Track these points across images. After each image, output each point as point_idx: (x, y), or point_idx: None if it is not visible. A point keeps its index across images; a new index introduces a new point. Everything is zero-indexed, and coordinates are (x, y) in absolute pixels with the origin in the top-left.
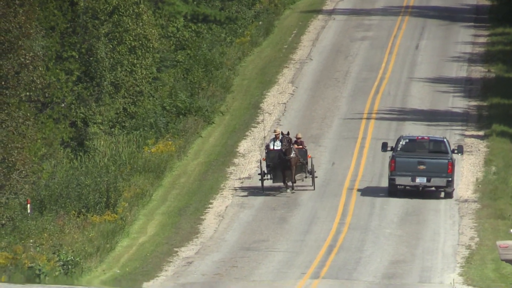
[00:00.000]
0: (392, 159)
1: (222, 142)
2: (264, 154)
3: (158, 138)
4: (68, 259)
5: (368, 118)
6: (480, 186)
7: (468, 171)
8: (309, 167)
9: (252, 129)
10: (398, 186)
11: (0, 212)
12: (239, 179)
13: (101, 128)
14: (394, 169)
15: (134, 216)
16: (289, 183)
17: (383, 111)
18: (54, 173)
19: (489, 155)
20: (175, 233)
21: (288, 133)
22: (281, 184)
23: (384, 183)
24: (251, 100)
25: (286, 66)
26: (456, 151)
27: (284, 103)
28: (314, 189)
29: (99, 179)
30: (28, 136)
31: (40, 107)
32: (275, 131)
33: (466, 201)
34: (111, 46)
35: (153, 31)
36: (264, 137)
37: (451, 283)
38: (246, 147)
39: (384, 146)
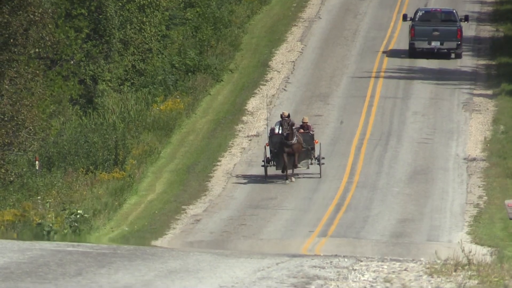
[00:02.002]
0: (412, 27)
1: (230, 100)
2: (267, 139)
3: (167, 95)
4: (76, 216)
5: (376, 77)
6: (488, 145)
7: (476, 130)
8: (316, 153)
9: (261, 87)
10: (417, 49)
11: (9, 169)
12: (248, 136)
13: (110, 85)
14: (414, 35)
15: (142, 173)
16: (289, 172)
17: (392, 69)
18: (62, 130)
19: (498, 114)
20: (183, 190)
21: (288, 115)
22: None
23: (392, 142)
24: (260, 58)
25: (295, 25)
26: (463, 20)
27: (293, 61)
28: (320, 177)
29: (107, 136)
30: (37, 93)
31: (49, 64)
32: (282, 115)
33: (474, 159)
34: (120, 4)
35: None
36: (270, 99)
37: (458, 242)
38: (254, 105)
39: (405, 17)
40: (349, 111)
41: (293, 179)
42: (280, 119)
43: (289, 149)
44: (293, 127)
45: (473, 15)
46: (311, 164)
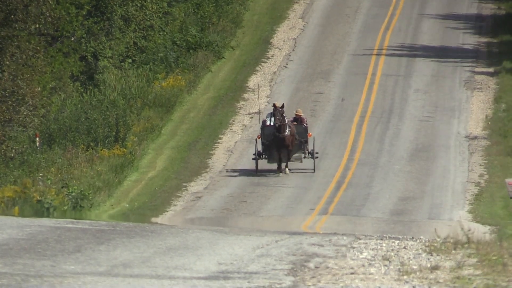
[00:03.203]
0: None
1: (232, 77)
2: (259, 131)
3: (168, 72)
4: (77, 193)
5: (378, 54)
6: (489, 123)
7: (477, 108)
8: (310, 147)
9: (262, 64)
10: None
11: (9, 145)
12: (249, 114)
13: (111, 62)
14: None
15: (143, 150)
16: (283, 166)
17: (393, 47)
18: (63, 107)
19: (499, 92)
20: (184, 167)
21: (282, 106)
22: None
23: (394, 119)
24: (261, 35)
25: (296, 2)
26: None
27: (294, 39)
28: (314, 172)
29: (108, 113)
30: (37, 69)
31: (50, 40)
32: (274, 105)
33: (475, 138)
34: None
35: None
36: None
37: (458, 220)
38: (256, 82)
39: None
40: (350, 89)
41: (287, 171)
42: (272, 110)
43: (282, 141)
44: (285, 119)
45: None
46: (304, 158)
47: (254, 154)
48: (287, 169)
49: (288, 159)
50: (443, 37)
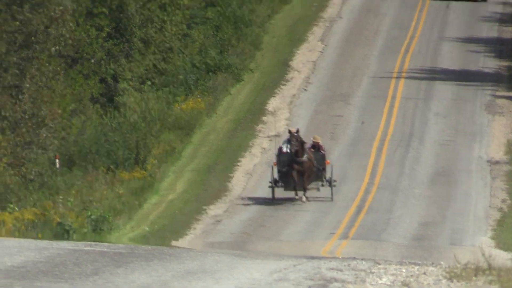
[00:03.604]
0: None
1: (251, 100)
2: (275, 158)
3: (188, 95)
4: (97, 215)
5: (398, 77)
6: (511, 148)
7: (499, 132)
8: (328, 174)
9: (282, 87)
10: None
11: (29, 168)
12: (268, 136)
13: (131, 84)
14: None
15: (163, 173)
16: (300, 193)
17: (413, 70)
18: (83, 129)
19: None
20: (204, 190)
21: (297, 131)
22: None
23: (414, 143)
24: (280, 58)
25: (315, 24)
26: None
27: (314, 61)
28: (332, 200)
29: (128, 135)
30: (57, 91)
31: (70, 62)
32: (289, 131)
33: (497, 162)
34: (141, 3)
35: None
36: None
37: (479, 246)
38: (275, 104)
39: None
40: (370, 112)
41: (304, 199)
42: (288, 135)
43: (299, 167)
44: (304, 144)
45: (495, 16)
46: (322, 186)
47: (270, 182)
48: (304, 197)
49: (305, 187)
50: (463, 60)
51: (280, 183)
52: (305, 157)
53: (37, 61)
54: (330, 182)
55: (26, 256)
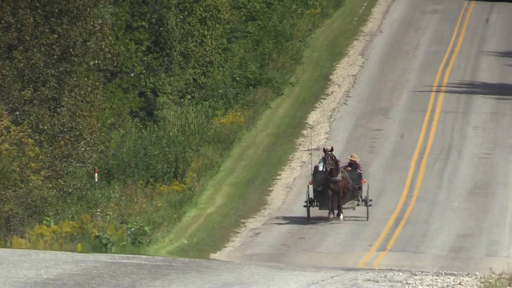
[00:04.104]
0: None
1: (291, 114)
2: (311, 178)
3: (228, 109)
4: (136, 228)
5: (437, 91)
6: None
7: None
8: (364, 194)
9: (322, 100)
10: None
11: (67, 181)
12: (308, 150)
13: (171, 98)
14: None
15: (202, 186)
16: (335, 213)
17: (453, 84)
18: (122, 143)
19: None
20: (243, 204)
21: (332, 150)
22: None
23: (453, 156)
24: (321, 72)
25: (356, 38)
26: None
27: (354, 75)
28: (367, 220)
29: (167, 149)
30: (96, 105)
31: (109, 76)
32: (324, 149)
33: None
34: (181, 17)
35: (223, 1)
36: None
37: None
38: (315, 118)
39: None
40: (409, 125)
41: (341, 218)
42: (323, 154)
43: (334, 186)
44: (338, 163)
45: None
46: (358, 205)
47: (305, 201)
48: (341, 216)
49: (341, 206)
50: (502, 74)
51: (315, 202)
52: (339, 176)
53: (75, 75)
54: (366, 202)
55: (63, 269)
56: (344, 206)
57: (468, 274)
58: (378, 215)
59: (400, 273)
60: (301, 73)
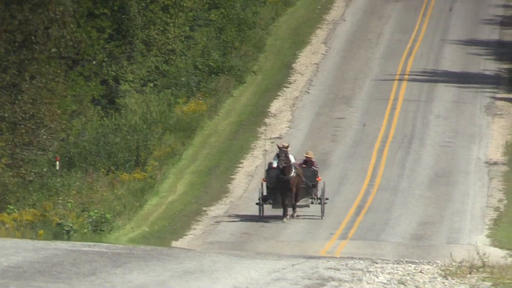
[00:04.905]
0: None
1: (253, 102)
2: (265, 174)
3: (190, 97)
4: (97, 216)
5: (400, 80)
6: (510, 148)
7: (498, 134)
8: (319, 191)
9: (284, 89)
10: None
11: (28, 169)
12: (270, 139)
13: (132, 86)
14: None
15: (164, 174)
16: (289, 211)
17: (415, 72)
18: (84, 131)
19: None
20: (205, 192)
21: (287, 146)
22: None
23: (415, 145)
24: (283, 60)
25: (319, 27)
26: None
27: (317, 64)
28: (322, 218)
29: (129, 137)
30: (57, 92)
31: (71, 64)
32: (278, 146)
33: (495, 163)
34: (143, 4)
35: None
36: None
37: (474, 244)
38: (277, 107)
39: None
40: (372, 114)
41: (295, 215)
42: (278, 151)
43: (286, 184)
44: (291, 160)
45: (496, 19)
46: (312, 203)
47: (258, 199)
48: (294, 214)
49: (294, 204)
50: (465, 63)
51: (269, 200)
52: (293, 173)
53: (36, 62)
54: (321, 200)
55: (23, 257)
56: (298, 203)
57: (429, 262)
58: (340, 204)
59: (361, 261)
60: (264, 61)
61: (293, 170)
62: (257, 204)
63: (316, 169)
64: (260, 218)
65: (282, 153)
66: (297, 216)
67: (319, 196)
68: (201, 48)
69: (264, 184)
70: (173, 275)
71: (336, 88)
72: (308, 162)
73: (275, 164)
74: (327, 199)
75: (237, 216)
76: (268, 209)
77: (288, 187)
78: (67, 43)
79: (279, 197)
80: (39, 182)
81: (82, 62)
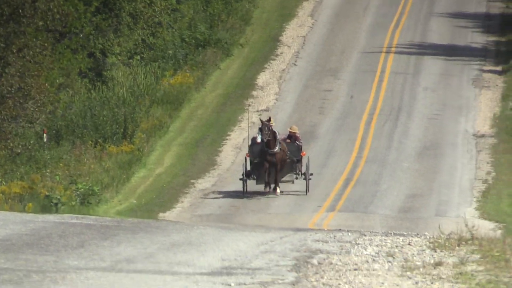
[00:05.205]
0: None
1: (240, 74)
2: (248, 149)
3: (177, 69)
4: (85, 189)
5: (387, 52)
6: (497, 121)
7: (485, 106)
8: (304, 168)
9: (271, 61)
10: None
11: (16, 141)
12: (257, 111)
13: (119, 59)
14: None
15: (151, 147)
16: (272, 187)
17: (402, 45)
18: (71, 103)
19: (507, 90)
20: (192, 164)
21: (269, 120)
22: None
23: (402, 117)
24: (270, 33)
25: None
26: None
27: (303, 36)
28: (306, 195)
29: (116, 110)
30: (44, 65)
31: (58, 37)
32: (261, 120)
33: (483, 136)
34: None
35: None
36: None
37: (463, 216)
38: (264, 79)
39: None
40: (359, 86)
41: (278, 192)
42: (260, 125)
43: (271, 158)
44: (276, 135)
45: None
46: (296, 179)
47: (242, 175)
48: (278, 190)
49: (278, 180)
50: (452, 35)
51: (252, 176)
52: (277, 148)
53: (23, 35)
54: (305, 175)
55: (11, 229)
56: (282, 179)
57: (418, 234)
58: (327, 176)
59: (349, 234)
60: (251, 34)
61: (277, 146)
62: (240, 179)
63: (300, 144)
64: (244, 194)
65: (265, 127)
66: (281, 192)
67: (303, 171)
68: (188, 21)
69: (248, 159)
70: (161, 248)
71: (323, 60)
72: (292, 137)
73: (259, 139)
74: (311, 174)
75: (225, 188)
76: (252, 185)
77: (273, 161)
78: (54, 16)
79: (262, 173)
80: (26, 155)
81: (69, 35)
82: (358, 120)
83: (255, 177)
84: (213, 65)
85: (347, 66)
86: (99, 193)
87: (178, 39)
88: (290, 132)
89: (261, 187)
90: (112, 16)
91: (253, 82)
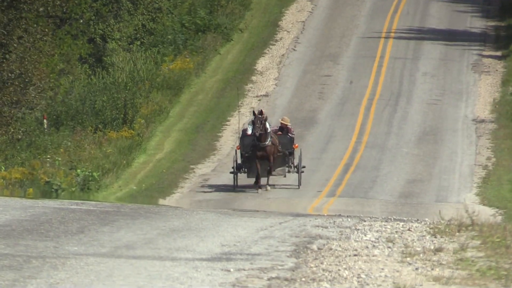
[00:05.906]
0: None
1: (240, 60)
2: (238, 142)
3: (177, 55)
4: (85, 174)
5: (386, 37)
6: (497, 106)
7: (485, 91)
8: (296, 160)
9: (271, 46)
10: None
11: (16, 127)
12: (257, 96)
13: (120, 44)
14: None
15: (151, 132)
16: (263, 181)
17: (402, 30)
18: (71, 89)
19: (507, 75)
20: (192, 150)
21: (261, 112)
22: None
23: (402, 102)
24: (269, 18)
25: None
26: None
27: (303, 21)
28: (299, 188)
29: (116, 95)
30: (45, 51)
31: (58, 23)
32: (253, 112)
33: (483, 121)
34: None
35: None
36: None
37: (463, 202)
38: (264, 64)
39: None
40: (358, 72)
41: (268, 187)
42: (253, 117)
43: (263, 152)
44: (267, 128)
45: None
46: (289, 172)
47: (232, 168)
48: (268, 186)
49: (270, 173)
50: (451, 20)
51: (243, 169)
52: (268, 141)
53: (24, 21)
54: (298, 168)
55: (12, 215)
56: (274, 173)
57: (418, 220)
58: (328, 161)
59: (349, 219)
60: (250, 19)
61: (269, 139)
62: (231, 173)
63: (293, 136)
64: (234, 188)
65: (257, 120)
66: (273, 186)
67: (295, 164)
68: (188, 6)
69: (238, 152)
70: (161, 233)
71: (323, 45)
72: (284, 129)
73: (249, 131)
74: (303, 167)
75: (224, 174)
76: (243, 179)
77: (264, 155)
78: (55, 2)
79: (254, 166)
80: (27, 140)
81: (70, 21)
82: (357, 105)
83: (246, 170)
84: (212, 50)
85: (347, 51)
86: (99, 179)
87: (178, 25)
88: (281, 123)
89: (252, 181)
90: (112, 1)
91: (252, 67)
